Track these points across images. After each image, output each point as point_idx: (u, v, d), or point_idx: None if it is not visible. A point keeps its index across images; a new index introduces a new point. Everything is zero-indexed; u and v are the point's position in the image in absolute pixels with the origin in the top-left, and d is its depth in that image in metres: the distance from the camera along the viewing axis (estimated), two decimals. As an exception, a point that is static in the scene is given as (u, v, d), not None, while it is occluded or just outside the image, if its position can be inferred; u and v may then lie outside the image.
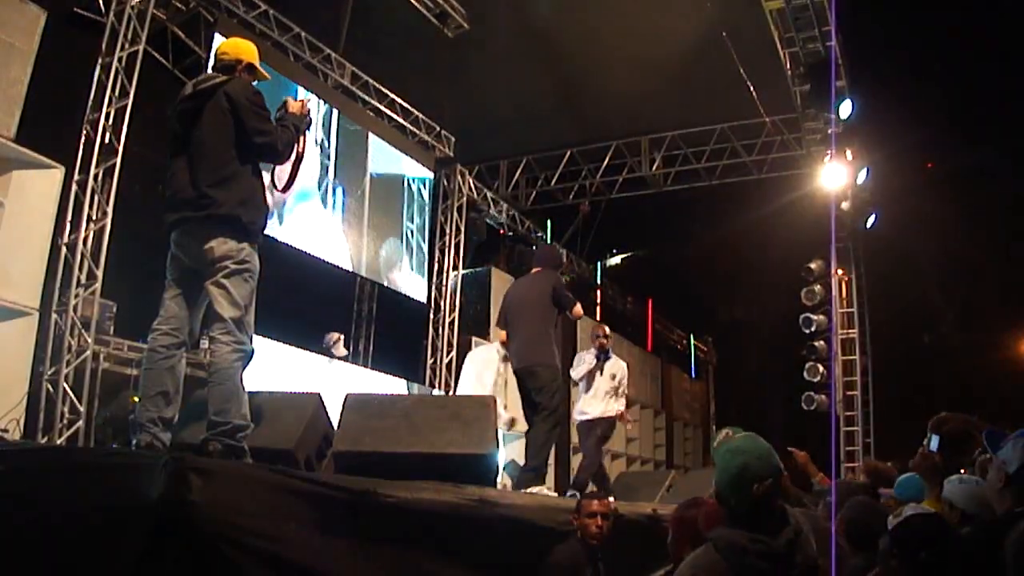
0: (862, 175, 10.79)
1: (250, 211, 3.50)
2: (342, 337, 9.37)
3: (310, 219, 9.12)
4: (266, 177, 3.72)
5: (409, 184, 10.82)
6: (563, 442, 10.76)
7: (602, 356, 7.16)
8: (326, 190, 9.50)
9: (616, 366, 7.17)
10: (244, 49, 3.77)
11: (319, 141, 9.43)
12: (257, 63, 3.78)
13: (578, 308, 5.68)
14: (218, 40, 7.67)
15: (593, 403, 6.98)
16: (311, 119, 3.88)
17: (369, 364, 10.89)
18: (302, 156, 3.83)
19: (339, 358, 9.17)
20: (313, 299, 9.75)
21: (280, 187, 3.90)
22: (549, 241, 13.81)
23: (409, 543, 2.95)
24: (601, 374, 7.04)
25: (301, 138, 3.76)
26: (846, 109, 10.07)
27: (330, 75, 9.53)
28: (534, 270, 5.92)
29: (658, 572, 4.00)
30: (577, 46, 10.14)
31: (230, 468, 2.67)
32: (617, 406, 7.06)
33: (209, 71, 3.69)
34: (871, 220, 11.55)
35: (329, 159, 9.54)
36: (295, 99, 3.87)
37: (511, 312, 5.74)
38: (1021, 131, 12.06)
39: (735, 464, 2.13)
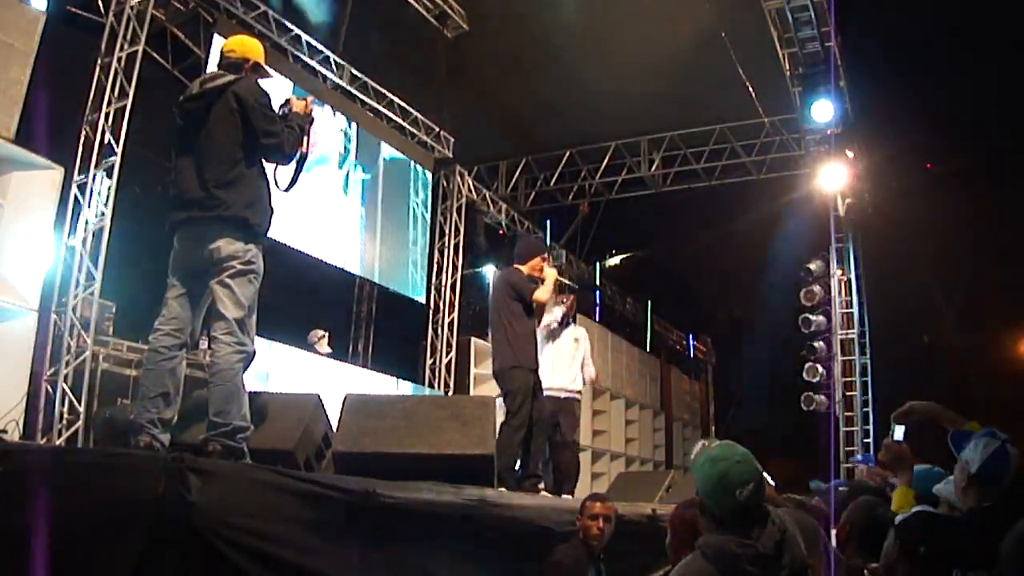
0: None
1: (257, 213, 3.50)
2: (327, 335, 9.21)
3: (326, 205, 9.17)
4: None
5: (414, 167, 10.88)
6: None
7: (567, 320, 6.77)
8: (348, 169, 9.57)
9: (579, 331, 6.83)
10: (250, 48, 3.76)
11: (343, 129, 9.56)
12: (263, 62, 3.78)
13: (539, 292, 5.36)
14: (217, 41, 7.68)
15: (557, 374, 6.45)
16: (314, 117, 3.87)
17: (368, 364, 10.89)
18: (306, 156, 3.82)
19: (323, 355, 9.01)
20: (313, 300, 9.76)
21: (283, 187, 3.90)
22: (548, 241, 13.81)
23: (409, 544, 2.95)
24: (560, 339, 6.67)
25: (305, 137, 3.76)
26: (823, 113, 10.01)
27: (329, 76, 9.53)
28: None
29: (657, 573, 4.00)
30: (576, 46, 10.15)
31: (229, 469, 2.67)
32: (579, 380, 6.70)
33: (215, 69, 3.67)
34: (850, 223, 11.48)
35: (350, 141, 9.62)
36: (299, 97, 3.86)
37: None
38: (1020, 131, 12.07)
39: (715, 472, 2.14)
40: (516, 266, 5.61)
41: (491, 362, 5.55)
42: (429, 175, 11.11)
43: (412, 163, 10.81)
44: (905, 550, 2.39)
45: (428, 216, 11.09)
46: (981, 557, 2.20)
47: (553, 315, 6.60)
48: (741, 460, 2.15)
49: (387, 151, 10.33)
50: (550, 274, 5.52)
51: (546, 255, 5.69)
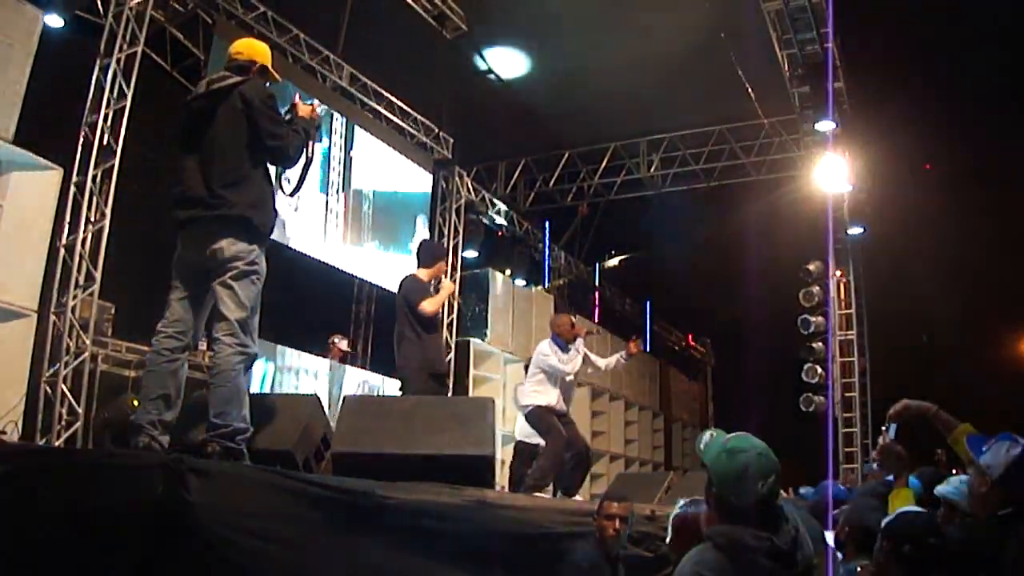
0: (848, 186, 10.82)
1: (261, 213, 3.49)
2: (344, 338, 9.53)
3: (314, 220, 9.17)
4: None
5: (408, 199, 10.83)
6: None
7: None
8: (336, 190, 9.58)
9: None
10: (258, 50, 3.76)
11: (337, 142, 9.56)
12: (270, 65, 3.78)
13: (424, 304, 5.41)
14: (217, 42, 7.68)
15: (562, 399, 6.24)
16: (320, 123, 3.87)
17: (368, 365, 10.89)
18: (311, 160, 3.82)
19: (345, 352, 9.34)
20: (312, 301, 9.76)
21: (288, 191, 3.88)
22: (548, 241, 13.83)
23: (408, 544, 2.94)
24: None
25: (310, 142, 3.75)
26: (826, 126, 10.09)
27: (328, 77, 9.53)
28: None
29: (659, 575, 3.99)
30: (576, 47, 10.15)
31: (228, 469, 2.67)
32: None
33: (223, 71, 3.66)
34: (857, 230, 11.53)
35: (339, 164, 9.61)
36: (305, 102, 3.86)
37: None
38: (1020, 131, 12.06)
39: (737, 464, 2.10)
40: (420, 269, 5.72)
41: (398, 363, 5.60)
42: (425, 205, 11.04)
43: (402, 196, 10.80)
44: (892, 550, 2.38)
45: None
46: (1007, 563, 2.19)
47: (577, 352, 6.34)
48: (762, 452, 2.12)
49: (377, 174, 10.28)
50: (447, 286, 5.92)
51: (445, 263, 5.96)
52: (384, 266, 10.23)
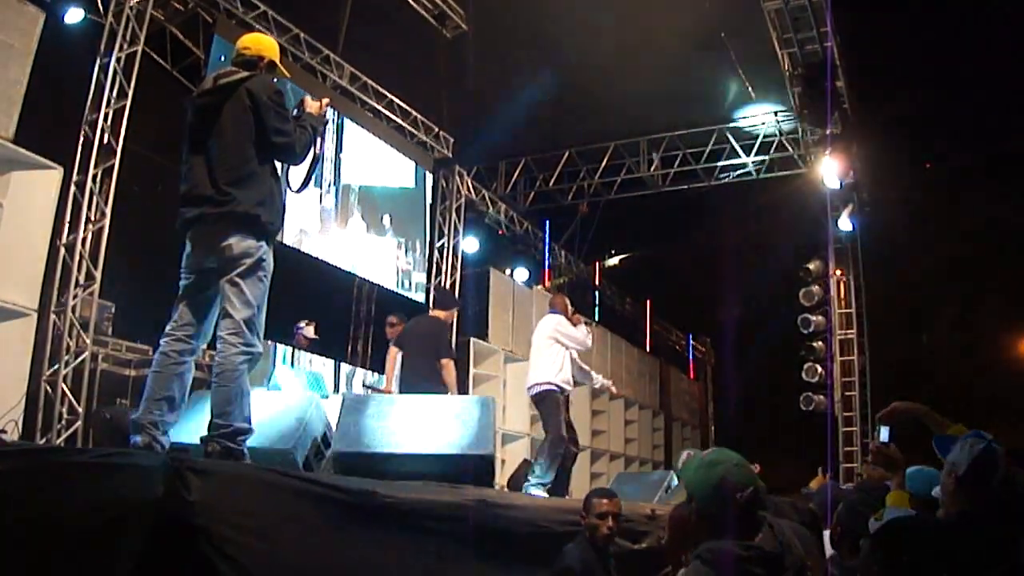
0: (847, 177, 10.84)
1: (268, 211, 3.47)
2: (315, 323, 8.74)
3: (315, 218, 9.16)
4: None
5: (405, 194, 10.81)
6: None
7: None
8: (334, 188, 9.57)
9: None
10: (266, 45, 3.74)
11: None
12: (278, 60, 3.75)
13: (449, 373, 6.26)
14: (217, 41, 7.68)
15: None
16: (328, 119, 3.85)
17: (368, 365, 10.88)
18: (319, 157, 3.80)
19: (311, 339, 8.57)
20: (311, 301, 9.75)
21: (295, 187, 3.88)
22: (548, 241, 13.85)
23: (408, 544, 2.95)
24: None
25: (318, 139, 3.73)
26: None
27: (329, 76, 9.53)
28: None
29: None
30: (576, 47, 10.14)
31: (228, 469, 2.67)
32: None
33: (230, 66, 3.62)
34: (848, 223, 11.53)
35: (335, 158, 9.60)
36: (313, 98, 3.84)
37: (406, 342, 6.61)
38: (1020, 130, 12.07)
39: (714, 476, 2.14)
40: (438, 311, 6.75)
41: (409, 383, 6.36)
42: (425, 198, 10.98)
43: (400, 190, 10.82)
44: (888, 560, 2.37)
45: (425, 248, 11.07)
46: (971, 562, 2.18)
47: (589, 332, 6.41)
48: (739, 464, 2.17)
49: (372, 168, 10.26)
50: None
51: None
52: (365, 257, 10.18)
